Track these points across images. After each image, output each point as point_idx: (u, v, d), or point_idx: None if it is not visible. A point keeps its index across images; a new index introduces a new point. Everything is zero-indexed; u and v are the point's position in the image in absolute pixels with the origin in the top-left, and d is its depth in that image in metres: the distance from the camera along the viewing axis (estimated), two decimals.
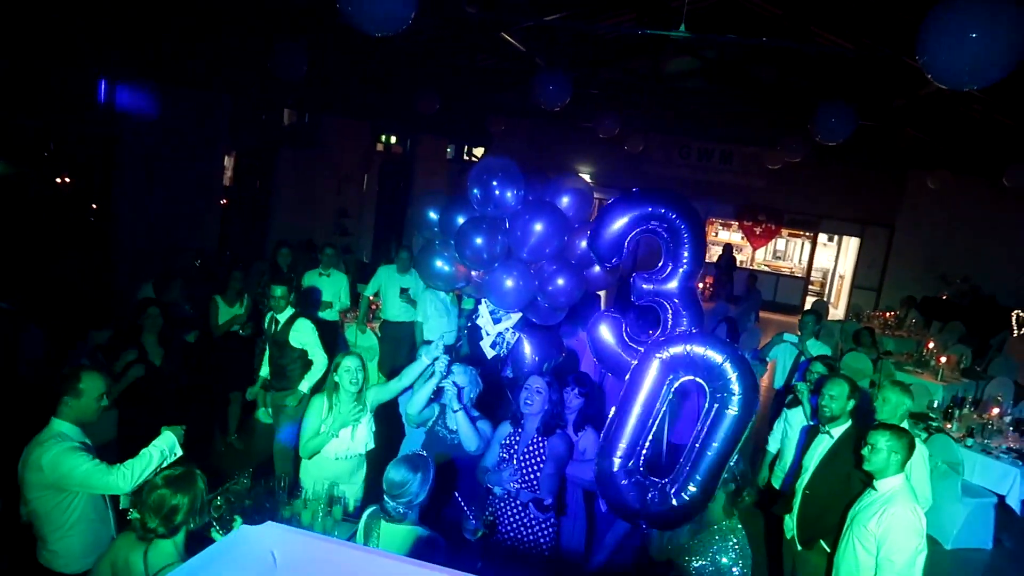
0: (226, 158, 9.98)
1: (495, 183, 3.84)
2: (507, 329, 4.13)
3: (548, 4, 10.02)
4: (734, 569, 3.16)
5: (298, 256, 8.22)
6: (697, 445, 3.15)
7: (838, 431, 4.21)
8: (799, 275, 18.33)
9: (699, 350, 3.15)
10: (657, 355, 3.21)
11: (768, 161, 14.04)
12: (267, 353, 5.70)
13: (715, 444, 3.12)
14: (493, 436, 4.02)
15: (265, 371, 5.74)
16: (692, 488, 3.12)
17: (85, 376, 3.36)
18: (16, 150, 7.12)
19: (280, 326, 5.51)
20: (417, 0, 4.13)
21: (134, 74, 7.55)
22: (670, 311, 3.34)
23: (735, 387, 3.10)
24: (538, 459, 3.85)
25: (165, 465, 3.26)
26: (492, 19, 9.62)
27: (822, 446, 4.23)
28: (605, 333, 3.49)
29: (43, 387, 3.44)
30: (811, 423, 4.50)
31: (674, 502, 3.13)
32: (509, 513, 3.86)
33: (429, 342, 4.99)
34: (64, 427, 3.30)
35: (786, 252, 19.32)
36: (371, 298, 7.69)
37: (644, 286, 3.39)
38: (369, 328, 7.73)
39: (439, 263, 4.10)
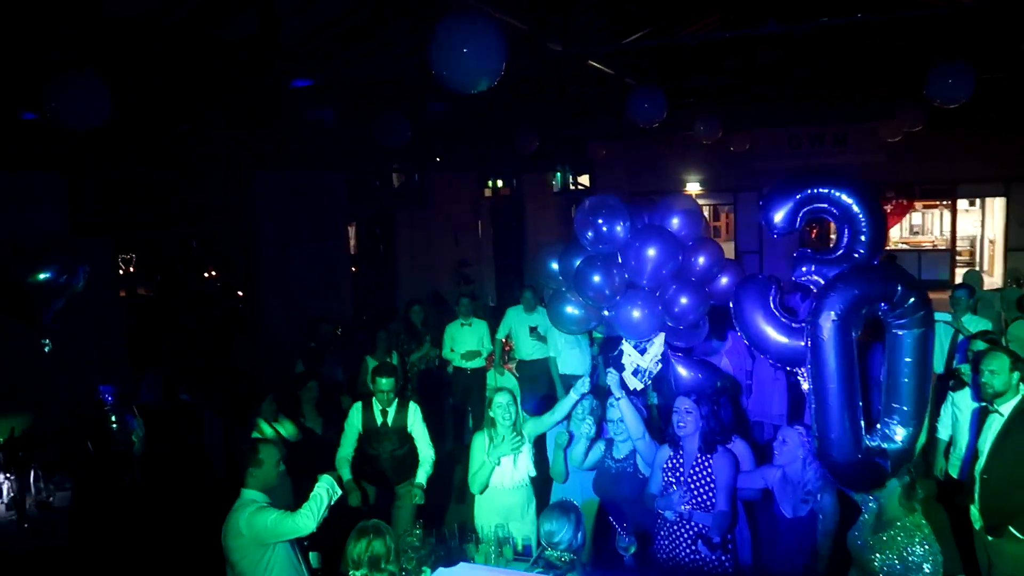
0: (349, 229, 10.59)
1: (600, 221, 3.97)
2: (654, 357, 4.20)
3: (629, 24, 10.09)
4: (925, 566, 3.02)
5: (429, 311, 8.57)
6: (891, 381, 3.15)
7: (1007, 407, 3.93)
8: (943, 247, 17.16)
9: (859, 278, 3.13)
10: (828, 316, 3.10)
11: (886, 135, 13.37)
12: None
13: (909, 370, 3.09)
14: (654, 461, 4.06)
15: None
16: (904, 427, 3.10)
17: (262, 448, 3.73)
18: (166, 253, 7.88)
19: (392, 416, 5.01)
20: (505, 52, 4.31)
21: (267, 166, 8.22)
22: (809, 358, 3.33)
23: (911, 304, 3.06)
24: (706, 478, 3.84)
25: (333, 503, 3.57)
26: (576, 51, 9.78)
27: (994, 426, 3.97)
28: (751, 304, 3.55)
29: (229, 466, 3.80)
30: (981, 404, 4.22)
31: (898, 442, 3.10)
32: (683, 538, 3.85)
33: (565, 376, 5.14)
34: (252, 494, 3.65)
35: (924, 225, 18.19)
36: (503, 340, 7.89)
37: (805, 267, 3.47)
38: (507, 369, 7.91)
39: (570, 309, 4.24)
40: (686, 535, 3.84)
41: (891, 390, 3.14)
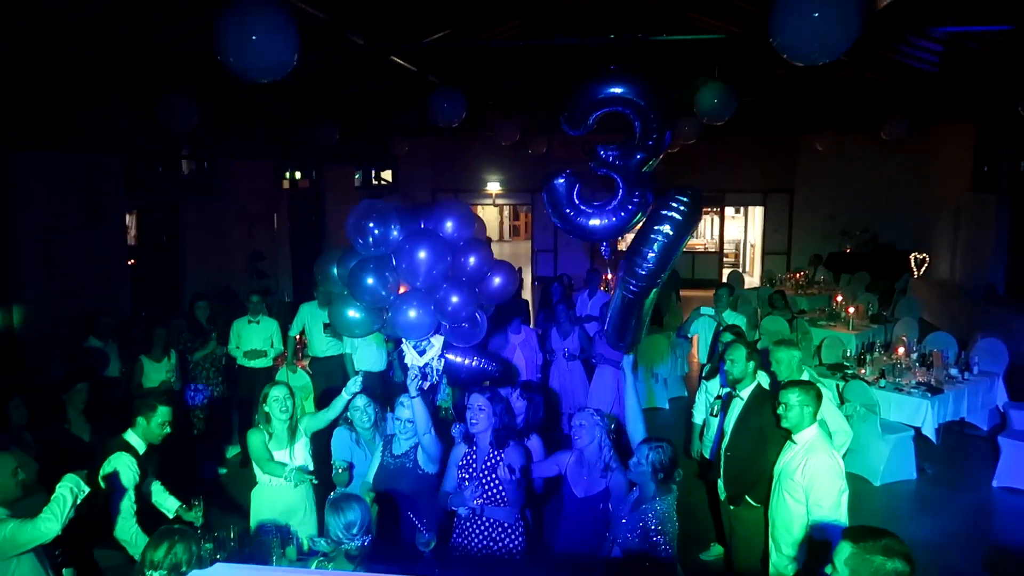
0: (128, 217, 9.75)
1: (372, 225, 4.00)
2: (433, 358, 4.29)
3: (434, 23, 10.20)
4: (656, 538, 3.36)
5: (216, 307, 8.13)
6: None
7: (746, 392, 4.53)
8: (713, 250, 19.00)
9: None
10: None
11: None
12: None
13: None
14: (448, 459, 4.16)
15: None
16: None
17: None
18: None
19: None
20: (298, 44, 4.21)
21: (28, 147, 7.36)
22: (622, 184, 4.13)
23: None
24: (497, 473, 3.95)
25: (79, 502, 3.30)
26: (380, 45, 9.72)
27: (736, 409, 4.53)
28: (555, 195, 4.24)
29: None
30: (727, 390, 4.80)
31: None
32: (477, 531, 3.98)
33: (361, 372, 5.13)
34: None
35: (698, 230, 20.01)
36: (297, 337, 7.68)
37: (604, 154, 4.14)
38: (299, 367, 7.71)
39: (351, 312, 4.22)
40: (479, 529, 3.97)
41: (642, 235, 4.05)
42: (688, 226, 3.90)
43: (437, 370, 4.41)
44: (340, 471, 4.29)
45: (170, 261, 10.47)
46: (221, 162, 11.31)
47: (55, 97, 7.42)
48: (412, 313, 4.04)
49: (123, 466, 4.03)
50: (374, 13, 9.14)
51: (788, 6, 4.05)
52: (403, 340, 4.25)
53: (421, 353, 4.21)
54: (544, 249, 18.47)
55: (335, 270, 4.28)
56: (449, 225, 4.17)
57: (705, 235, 19.81)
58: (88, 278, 8.13)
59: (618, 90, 4.07)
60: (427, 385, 4.22)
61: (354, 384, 4.44)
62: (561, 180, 4.32)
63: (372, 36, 9.15)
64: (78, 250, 8.04)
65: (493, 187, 18.32)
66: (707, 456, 5.37)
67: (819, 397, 3.93)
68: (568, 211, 4.29)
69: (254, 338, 7.45)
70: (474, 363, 4.58)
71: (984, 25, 7.97)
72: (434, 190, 18.19)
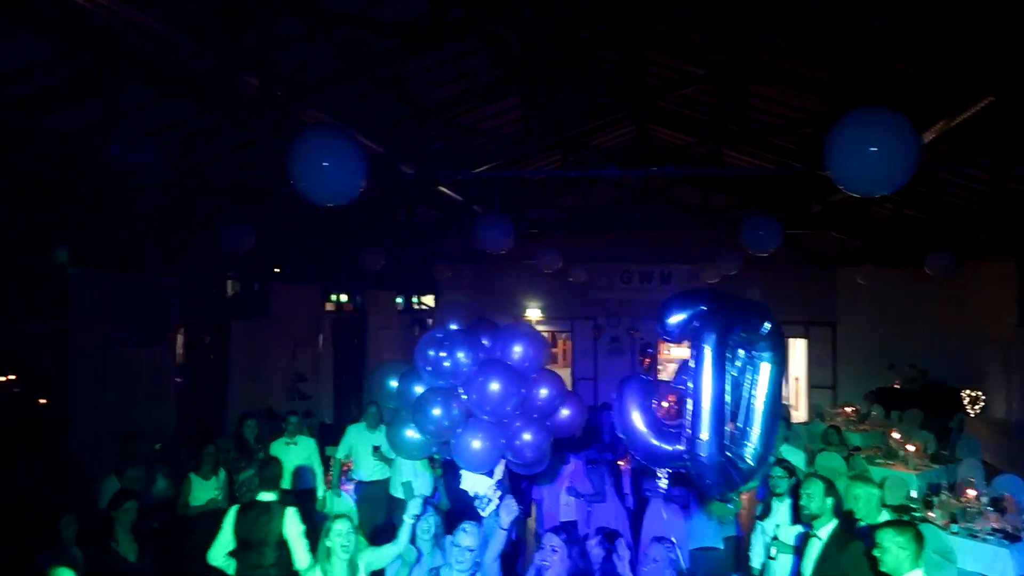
0: (178, 336, 9.93)
1: (444, 355, 3.90)
2: (491, 487, 4.13)
3: (478, 156, 10.63)
4: None
5: (262, 427, 8.08)
6: (750, 405, 3.59)
7: (825, 531, 4.25)
8: None
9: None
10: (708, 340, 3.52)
11: (706, 276, 14.62)
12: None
13: (764, 395, 3.58)
14: None
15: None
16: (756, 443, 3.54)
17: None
18: None
19: (271, 521, 4.93)
20: (366, 171, 4.38)
21: (87, 264, 7.63)
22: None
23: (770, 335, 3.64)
24: None
25: None
26: (427, 175, 10.11)
27: (814, 549, 4.25)
28: (635, 416, 3.69)
29: None
30: (804, 529, 4.52)
31: (749, 462, 3.50)
32: None
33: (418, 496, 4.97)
34: None
35: None
36: (343, 460, 7.54)
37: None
38: (344, 491, 7.52)
39: (410, 433, 4.07)
40: None
41: (747, 413, 3.58)
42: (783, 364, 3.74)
43: (488, 499, 4.25)
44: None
45: (216, 380, 10.53)
46: (269, 284, 11.59)
47: (116, 220, 7.74)
48: (477, 444, 3.88)
49: None
50: (423, 145, 9.58)
51: (845, 139, 4.13)
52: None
53: (490, 475, 4.05)
54: (584, 377, 18.30)
55: (395, 385, 4.20)
56: (519, 350, 4.08)
57: None
58: (137, 395, 8.18)
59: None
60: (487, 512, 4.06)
61: (415, 507, 4.25)
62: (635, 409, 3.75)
63: (421, 166, 9.55)
64: (129, 367, 8.15)
65: (533, 314, 18.42)
66: None
67: (919, 539, 3.65)
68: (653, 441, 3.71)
69: (293, 459, 7.33)
70: None
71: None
72: (474, 316, 18.32)
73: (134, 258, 8.39)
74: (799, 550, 4.45)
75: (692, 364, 3.54)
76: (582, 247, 16.16)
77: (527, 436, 3.95)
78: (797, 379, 18.74)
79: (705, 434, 3.37)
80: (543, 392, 4.13)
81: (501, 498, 4.04)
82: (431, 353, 3.94)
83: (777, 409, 3.55)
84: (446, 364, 3.89)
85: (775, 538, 4.86)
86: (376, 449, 7.29)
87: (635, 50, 8.77)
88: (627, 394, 3.71)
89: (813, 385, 17.46)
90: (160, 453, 6.72)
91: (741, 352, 3.64)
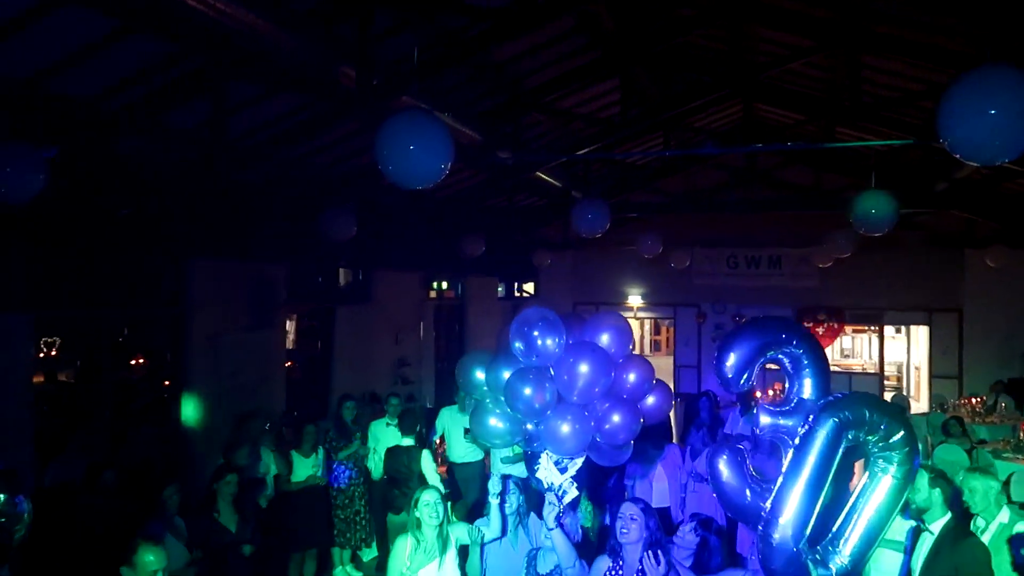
0: (288, 322, 10.38)
1: (536, 333, 3.94)
2: (568, 479, 4.12)
3: (578, 141, 10.53)
4: None
5: (362, 409, 8.34)
6: (855, 511, 3.07)
7: (937, 525, 3.96)
8: (872, 371, 17.69)
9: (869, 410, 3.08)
10: (825, 425, 3.06)
11: (818, 260, 13.96)
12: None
13: (875, 509, 3.03)
14: (589, 573, 3.92)
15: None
16: (847, 556, 3.01)
17: (141, 551, 3.43)
18: (91, 339, 7.53)
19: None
20: (451, 153, 4.41)
21: (204, 254, 8.09)
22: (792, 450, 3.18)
23: (900, 446, 3.03)
24: None
25: None
26: (525, 161, 10.11)
27: (926, 544, 3.98)
28: (725, 469, 3.27)
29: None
30: (915, 523, 4.24)
31: (833, 569, 3.00)
32: None
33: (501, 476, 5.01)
34: None
35: (854, 349, 18.77)
36: (436, 442, 7.69)
37: (766, 420, 3.28)
38: (438, 472, 7.68)
39: (493, 421, 4.11)
40: None
41: (848, 518, 3.10)
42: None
43: (564, 491, 4.22)
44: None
45: (322, 364, 10.96)
46: (373, 272, 11.93)
47: (227, 211, 8.15)
48: (566, 428, 3.87)
49: None
50: (521, 131, 9.58)
51: (960, 103, 3.81)
52: (542, 455, 4.10)
53: (563, 471, 4.05)
54: (687, 364, 17.91)
55: (478, 376, 4.25)
56: (606, 338, 4.07)
57: (863, 355, 18.52)
58: (249, 378, 8.61)
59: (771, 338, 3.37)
60: (561, 506, 4.06)
61: (495, 486, 4.30)
62: (724, 459, 3.32)
63: (519, 153, 9.54)
64: (242, 352, 8.58)
65: (634, 300, 18.18)
66: None
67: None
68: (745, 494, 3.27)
69: (389, 440, 7.52)
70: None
71: None
72: (575, 303, 18.29)
73: (245, 247, 8.82)
74: (911, 544, 4.18)
75: (794, 440, 3.13)
76: (685, 231, 15.77)
77: (617, 418, 3.93)
78: (918, 368, 17.66)
79: (786, 517, 3.02)
80: (631, 377, 4.11)
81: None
82: (526, 331, 3.98)
83: (884, 527, 3.06)
84: (538, 344, 3.92)
85: None
86: (467, 431, 7.40)
87: (740, 25, 8.41)
88: (718, 463, 3.35)
89: (935, 375, 16.38)
90: (268, 433, 7.05)
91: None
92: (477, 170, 11.13)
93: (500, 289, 17.46)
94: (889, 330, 17.80)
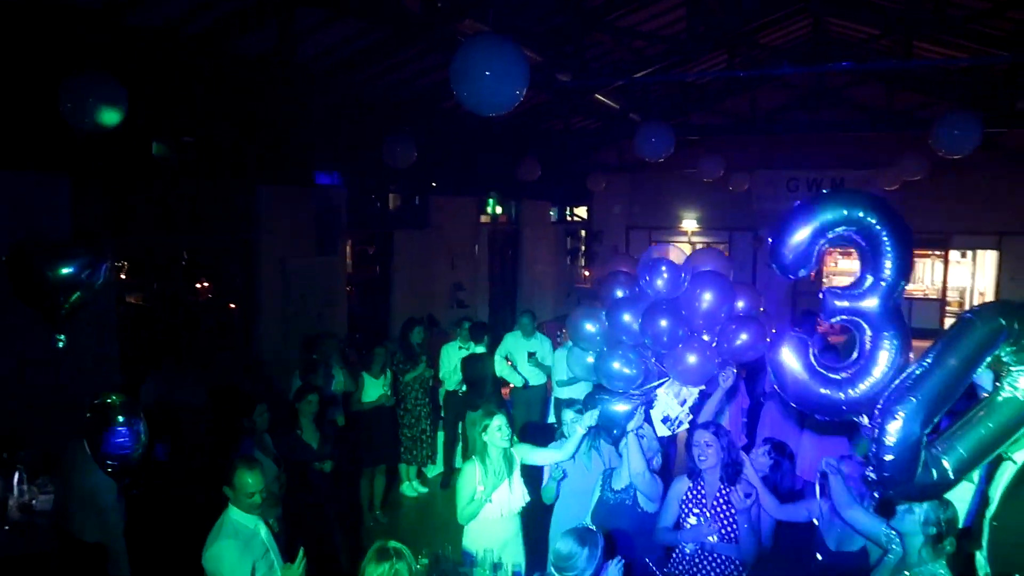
0: (347, 247, 10.53)
1: (664, 267, 4.23)
2: (684, 410, 4.33)
3: (637, 62, 10.21)
4: None
5: (425, 333, 8.51)
6: (971, 423, 2.83)
7: (1021, 455, 3.90)
8: (933, 296, 17.29)
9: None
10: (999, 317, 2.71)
11: (883, 183, 13.51)
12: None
13: (997, 425, 2.82)
14: (668, 494, 4.02)
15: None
16: (949, 463, 2.77)
17: (240, 472, 3.57)
18: (158, 263, 7.77)
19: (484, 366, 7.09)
20: (527, 79, 4.32)
21: (270, 180, 8.20)
22: (868, 333, 2.89)
23: None
24: (729, 509, 3.83)
25: None
26: (585, 84, 9.86)
27: (1006, 474, 3.93)
28: (789, 358, 3.00)
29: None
30: None
31: (934, 474, 2.74)
32: (705, 569, 3.83)
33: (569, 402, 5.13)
34: (236, 516, 3.54)
35: (916, 273, 18.27)
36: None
37: (837, 303, 2.92)
38: (503, 395, 7.86)
39: (617, 365, 4.24)
40: (707, 566, 3.81)
41: (964, 433, 2.84)
42: None
43: (680, 422, 4.35)
44: (552, 483, 4.34)
45: (381, 288, 11.14)
46: (429, 197, 11.95)
47: (293, 137, 8.20)
48: (693, 358, 4.06)
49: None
50: (582, 51, 9.31)
51: None
52: (658, 391, 4.25)
53: (682, 403, 4.18)
54: None
55: (591, 328, 4.48)
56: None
57: (925, 280, 18.05)
58: (314, 302, 8.83)
59: (840, 213, 2.89)
60: (669, 435, 4.23)
61: (590, 418, 4.30)
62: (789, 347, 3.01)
63: (578, 74, 9.30)
64: (307, 276, 8.77)
65: (689, 224, 17.92)
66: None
67: None
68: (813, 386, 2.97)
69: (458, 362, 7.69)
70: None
71: None
72: (628, 227, 18.12)
73: (310, 173, 8.90)
74: (989, 473, 4.14)
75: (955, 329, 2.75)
76: (746, 154, 15.34)
77: (744, 336, 4.07)
78: (982, 294, 17.19)
79: (905, 412, 2.65)
80: (740, 303, 4.37)
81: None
82: (654, 264, 4.28)
83: (996, 449, 2.86)
84: (667, 276, 4.22)
85: None
86: (531, 355, 7.51)
87: None
88: (782, 356, 3.05)
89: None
90: (338, 353, 7.24)
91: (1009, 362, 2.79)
92: (536, 92, 10.93)
93: (553, 213, 17.35)
94: (954, 255, 17.27)
